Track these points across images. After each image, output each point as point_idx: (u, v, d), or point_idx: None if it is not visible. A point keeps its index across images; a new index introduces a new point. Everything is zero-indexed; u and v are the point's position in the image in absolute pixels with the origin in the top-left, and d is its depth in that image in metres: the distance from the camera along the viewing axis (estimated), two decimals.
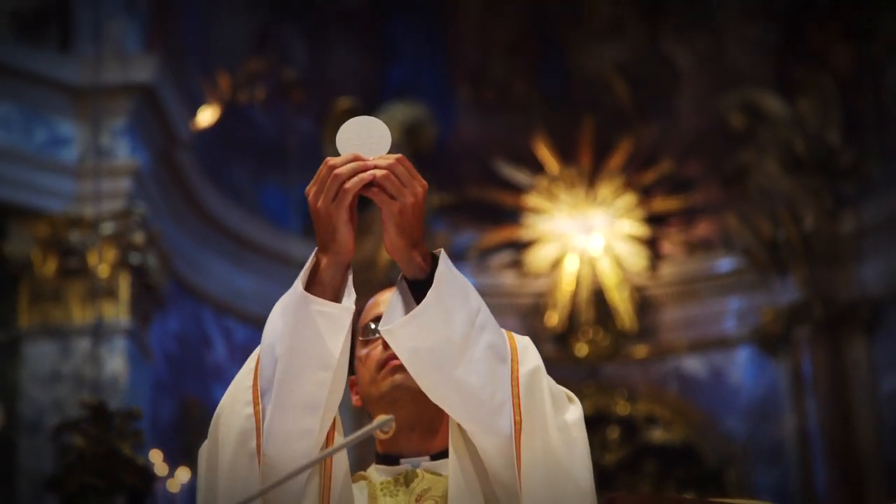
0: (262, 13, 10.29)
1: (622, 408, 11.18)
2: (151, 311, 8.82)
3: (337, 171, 2.38)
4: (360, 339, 2.67)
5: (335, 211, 2.39)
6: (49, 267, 8.45)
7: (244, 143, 10.20)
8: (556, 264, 11.29)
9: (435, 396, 2.47)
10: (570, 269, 11.26)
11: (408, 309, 2.44)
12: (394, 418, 2.19)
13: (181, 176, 9.42)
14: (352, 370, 2.70)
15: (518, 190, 11.33)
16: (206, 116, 9.69)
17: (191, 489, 8.09)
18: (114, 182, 8.52)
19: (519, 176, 11.32)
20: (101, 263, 8.43)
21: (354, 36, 10.78)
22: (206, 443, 2.53)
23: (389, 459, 2.64)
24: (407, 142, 10.79)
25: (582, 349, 11.18)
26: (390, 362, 2.60)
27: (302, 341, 2.42)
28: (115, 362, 8.35)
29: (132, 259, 8.49)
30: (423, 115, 10.95)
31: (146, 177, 8.84)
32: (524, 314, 11.15)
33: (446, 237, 10.83)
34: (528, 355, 2.52)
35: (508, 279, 11.30)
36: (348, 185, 2.37)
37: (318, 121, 10.29)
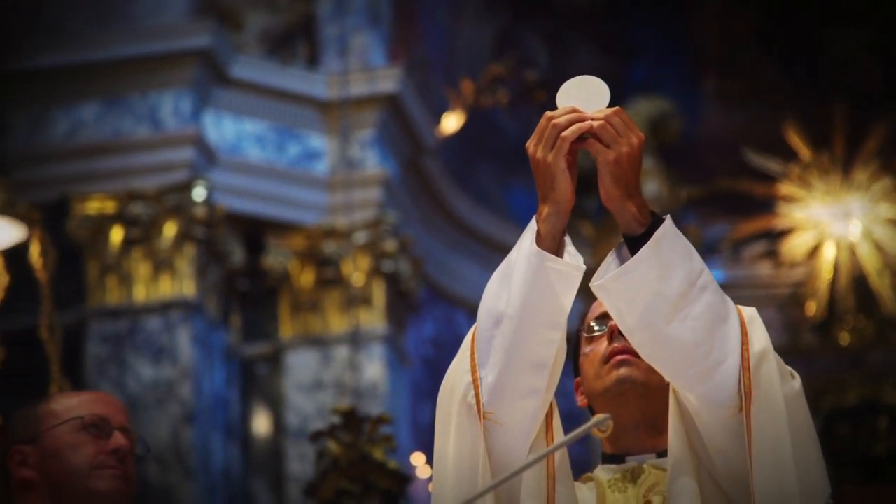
0: (501, 18, 10.37)
1: (890, 396, 10.86)
2: (406, 316, 8.99)
3: (555, 121, 2.46)
4: (585, 335, 2.69)
5: (553, 160, 2.46)
6: (306, 278, 8.69)
7: (489, 146, 10.29)
8: (814, 252, 11.05)
9: (646, 354, 2.50)
10: (828, 256, 11.01)
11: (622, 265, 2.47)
12: (610, 416, 2.20)
13: (429, 183, 9.58)
14: (576, 372, 2.73)
15: (770, 179, 11.13)
16: (451, 123, 9.82)
17: None
18: (364, 192, 8.71)
19: (770, 165, 11.12)
20: (356, 272, 8.64)
21: (594, 34, 10.77)
22: (436, 420, 2.63)
23: (616, 458, 2.65)
24: (652, 136, 10.72)
25: (844, 338, 10.91)
26: (615, 357, 2.61)
27: (536, 298, 2.47)
28: (374, 369, 8.53)
29: (385, 267, 8.67)
30: (667, 109, 10.86)
31: (395, 185, 9.02)
32: (782, 305, 10.95)
33: (697, 230, 10.73)
34: (756, 324, 2.54)
35: (764, 270, 11.12)
36: (566, 133, 2.45)
37: None
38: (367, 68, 8.92)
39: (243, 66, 8.63)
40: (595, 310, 2.71)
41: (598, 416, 2.17)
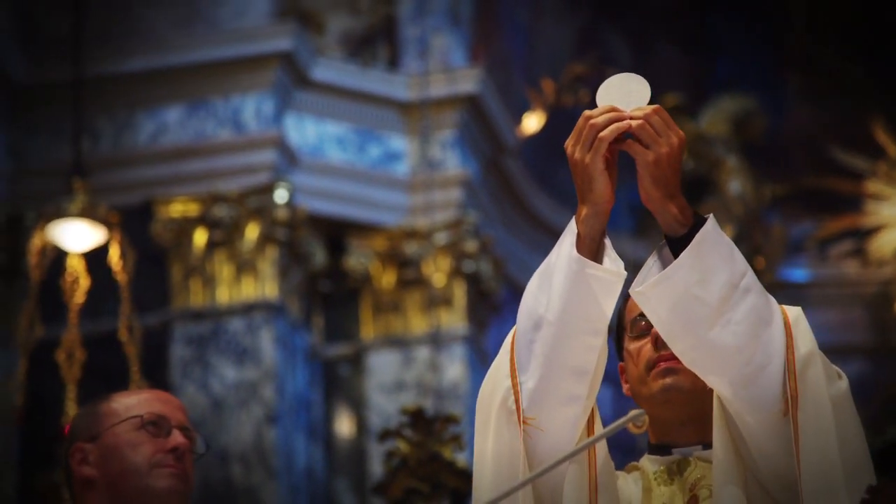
0: (583, 16, 10.34)
1: None
2: (487, 317, 8.99)
3: (592, 120, 2.41)
4: (629, 335, 2.65)
5: (591, 160, 2.42)
6: (388, 279, 8.72)
7: None
8: None
9: (688, 360, 2.44)
10: None
11: (664, 269, 2.42)
12: (645, 412, 2.17)
13: (510, 183, 9.57)
14: (620, 356, 2.69)
15: (856, 176, 11.00)
16: (532, 122, 9.81)
17: None
18: (445, 193, 8.73)
19: (857, 162, 10.99)
20: (437, 273, 8.65)
21: (677, 31, 10.70)
22: (475, 422, 2.59)
23: (661, 449, 2.61)
24: (736, 134, 10.64)
25: None
26: (660, 363, 2.57)
27: (576, 305, 2.43)
28: (455, 369, 8.54)
29: (466, 267, 8.68)
30: (751, 107, 10.77)
31: (476, 186, 9.03)
32: (869, 304, 10.81)
33: (782, 229, 10.64)
34: (801, 325, 2.47)
35: (851, 269, 10.98)
36: (603, 133, 2.41)
37: None
38: (447, 69, 8.93)
39: (324, 69, 8.67)
40: (634, 307, 2.65)
41: (633, 412, 2.15)
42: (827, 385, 2.43)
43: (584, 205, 2.49)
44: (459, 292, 8.69)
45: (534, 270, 9.19)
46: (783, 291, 10.71)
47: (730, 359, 2.39)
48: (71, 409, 6.31)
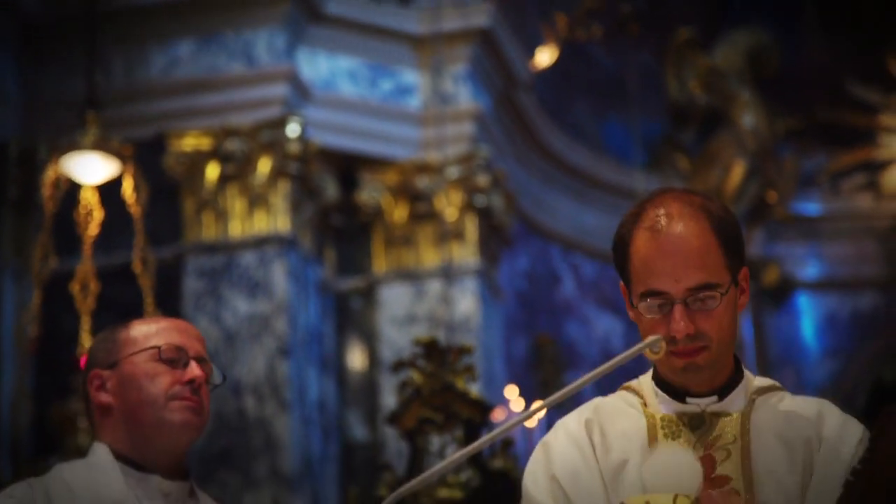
0: None
1: None
2: (499, 250, 9.00)
3: None
4: (638, 296, 2.40)
5: None
6: (400, 213, 8.73)
7: (583, 80, 10.23)
8: None
9: None
10: None
11: None
12: (662, 338, 2.11)
13: (523, 117, 9.55)
14: (623, 277, 2.47)
15: (870, 110, 10.96)
16: (545, 57, 9.77)
17: (548, 423, 8.18)
18: (457, 127, 8.72)
19: (871, 95, 10.95)
20: (449, 207, 8.66)
21: None
22: None
23: (674, 392, 2.47)
24: (750, 67, 10.59)
25: None
26: (683, 357, 2.40)
27: None
28: (467, 302, 8.56)
29: (478, 201, 8.69)
30: (765, 41, 10.72)
31: (488, 120, 9.01)
32: (882, 237, 10.81)
33: (795, 162, 10.61)
34: None
35: (864, 202, 10.97)
36: None
37: (658, 53, 10.21)
38: (459, 3, 8.90)
39: (337, 3, 8.64)
40: (648, 270, 2.39)
41: (650, 339, 2.09)
42: None
43: None
44: (471, 226, 8.70)
45: (546, 204, 9.11)
46: (796, 225, 10.72)
47: None
48: (85, 340, 6.34)
